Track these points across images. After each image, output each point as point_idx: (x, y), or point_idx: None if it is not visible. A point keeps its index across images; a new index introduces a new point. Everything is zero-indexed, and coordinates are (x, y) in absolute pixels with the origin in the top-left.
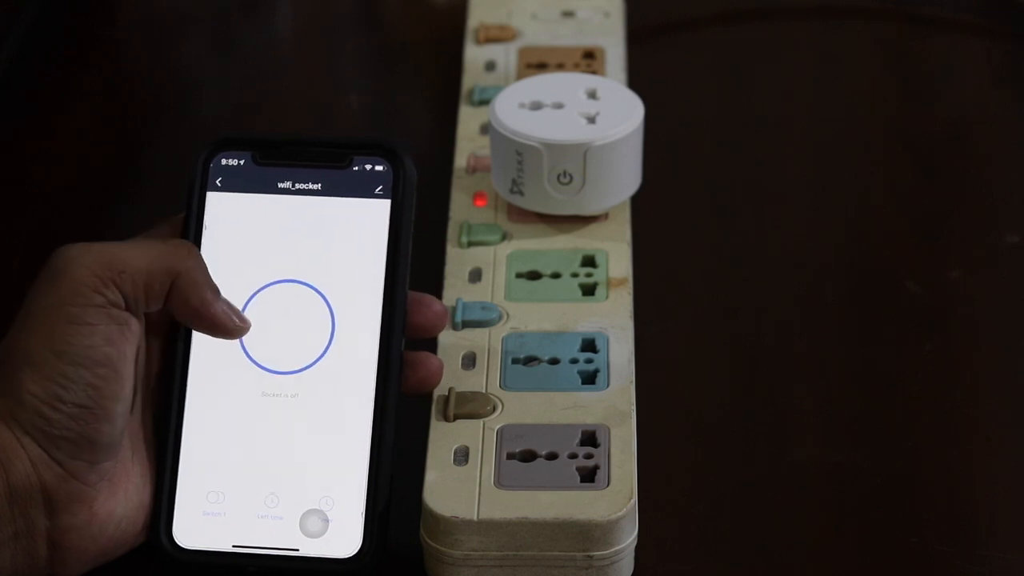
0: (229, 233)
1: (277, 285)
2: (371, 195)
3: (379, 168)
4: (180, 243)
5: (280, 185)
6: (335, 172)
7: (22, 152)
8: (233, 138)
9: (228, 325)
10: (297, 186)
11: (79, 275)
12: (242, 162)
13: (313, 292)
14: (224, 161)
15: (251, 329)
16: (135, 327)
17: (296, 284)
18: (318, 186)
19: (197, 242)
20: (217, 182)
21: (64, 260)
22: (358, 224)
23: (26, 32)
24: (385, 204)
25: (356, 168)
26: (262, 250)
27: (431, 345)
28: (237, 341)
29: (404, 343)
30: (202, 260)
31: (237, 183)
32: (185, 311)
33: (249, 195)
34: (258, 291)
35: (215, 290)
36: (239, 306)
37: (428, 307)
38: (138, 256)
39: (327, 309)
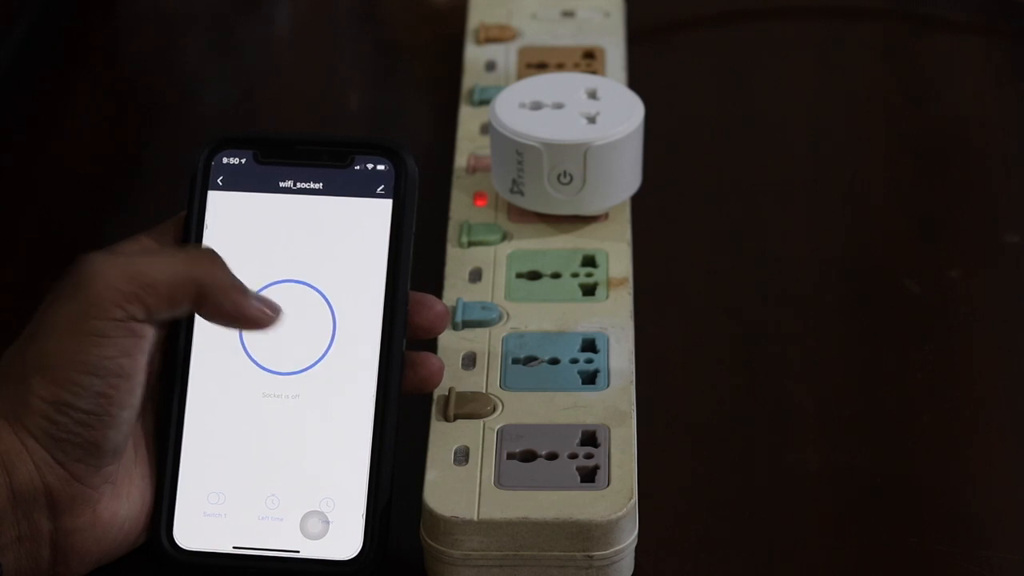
0: (230, 232)
1: (278, 285)
2: (373, 195)
3: (381, 168)
4: (202, 251)
5: (282, 184)
6: (337, 171)
7: (22, 152)
8: (235, 137)
9: (262, 319)
10: (299, 185)
11: (102, 289)
12: (243, 161)
13: (314, 292)
14: (226, 160)
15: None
16: (151, 336)
17: (297, 284)
18: (320, 185)
19: (198, 241)
20: (218, 181)
21: (88, 273)
22: (360, 224)
23: (26, 32)
24: (387, 204)
25: (358, 168)
26: (263, 249)
27: (431, 345)
28: (238, 341)
29: (405, 344)
30: (225, 264)
31: (238, 182)
32: (218, 316)
33: (250, 194)
34: (259, 291)
35: (243, 289)
36: None
37: (429, 308)
38: (162, 269)
39: (328, 309)
